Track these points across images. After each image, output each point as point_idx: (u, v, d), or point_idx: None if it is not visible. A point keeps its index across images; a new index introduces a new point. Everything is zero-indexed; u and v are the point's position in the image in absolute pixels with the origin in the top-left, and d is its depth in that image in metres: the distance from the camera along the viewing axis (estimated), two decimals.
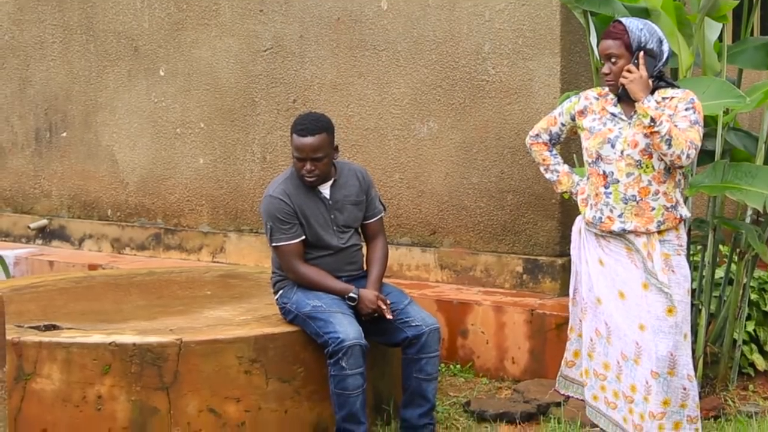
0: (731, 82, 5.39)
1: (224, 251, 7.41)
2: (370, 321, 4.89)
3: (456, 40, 6.40)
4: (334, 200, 5.01)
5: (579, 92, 4.80)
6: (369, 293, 4.92)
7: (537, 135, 4.79)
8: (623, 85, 4.40)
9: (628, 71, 4.37)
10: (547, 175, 4.80)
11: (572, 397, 4.88)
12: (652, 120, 4.29)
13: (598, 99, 4.59)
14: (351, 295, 4.90)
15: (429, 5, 6.47)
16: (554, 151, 4.79)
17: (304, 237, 4.94)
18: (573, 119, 4.66)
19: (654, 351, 4.37)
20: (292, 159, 4.96)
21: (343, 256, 5.04)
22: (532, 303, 5.99)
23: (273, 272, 5.12)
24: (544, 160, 4.79)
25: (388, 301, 4.91)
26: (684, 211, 4.52)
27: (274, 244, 4.96)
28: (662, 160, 4.38)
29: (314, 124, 4.89)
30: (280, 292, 5.04)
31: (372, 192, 5.15)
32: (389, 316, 4.87)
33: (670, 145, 4.29)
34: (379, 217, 5.17)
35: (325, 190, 5.00)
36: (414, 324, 4.90)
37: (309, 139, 4.85)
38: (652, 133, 4.31)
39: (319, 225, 4.97)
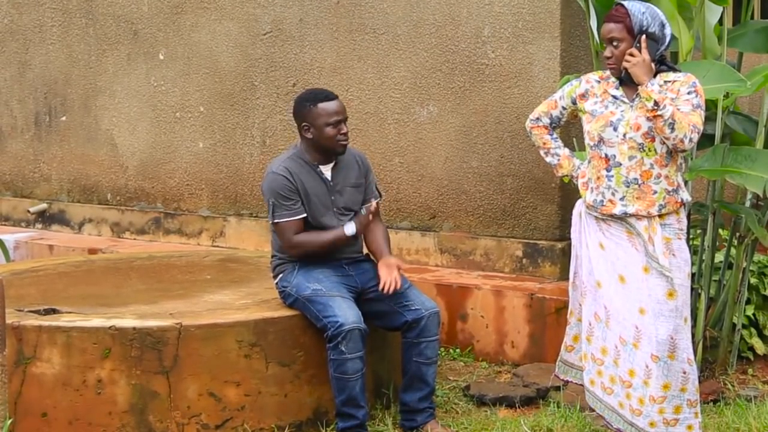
0: (731, 65, 5.37)
1: (224, 235, 7.40)
2: (373, 299, 4.88)
3: (456, 23, 6.38)
4: (335, 182, 5.01)
5: (579, 76, 4.79)
6: (360, 218, 5.00)
7: (537, 119, 4.78)
8: (626, 69, 4.39)
9: (631, 55, 4.36)
10: (548, 159, 4.79)
11: (571, 381, 4.88)
12: (656, 103, 4.28)
13: (599, 82, 4.58)
14: (348, 232, 4.95)
15: None
16: (555, 135, 4.77)
17: (305, 215, 4.93)
18: (574, 103, 4.64)
19: (654, 334, 4.37)
20: (310, 134, 4.93)
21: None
22: (532, 287, 5.99)
23: (273, 256, 5.11)
24: (544, 143, 4.78)
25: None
26: (685, 195, 4.52)
27: (275, 221, 4.94)
28: (664, 143, 4.38)
29: (328, 90, 5.06)
30: (280, 275, 5.04)
31: (370, 176, 5.16)
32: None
33: (673, 129, 4.29)
34: (375, 202, 5.16)
35: (327, 171, 5.00)
36: (413, 308, 4.90)
37: (337, 101, 4.97)
38: (655, 116, 4.30)
39: (320, 205, 4.97)
